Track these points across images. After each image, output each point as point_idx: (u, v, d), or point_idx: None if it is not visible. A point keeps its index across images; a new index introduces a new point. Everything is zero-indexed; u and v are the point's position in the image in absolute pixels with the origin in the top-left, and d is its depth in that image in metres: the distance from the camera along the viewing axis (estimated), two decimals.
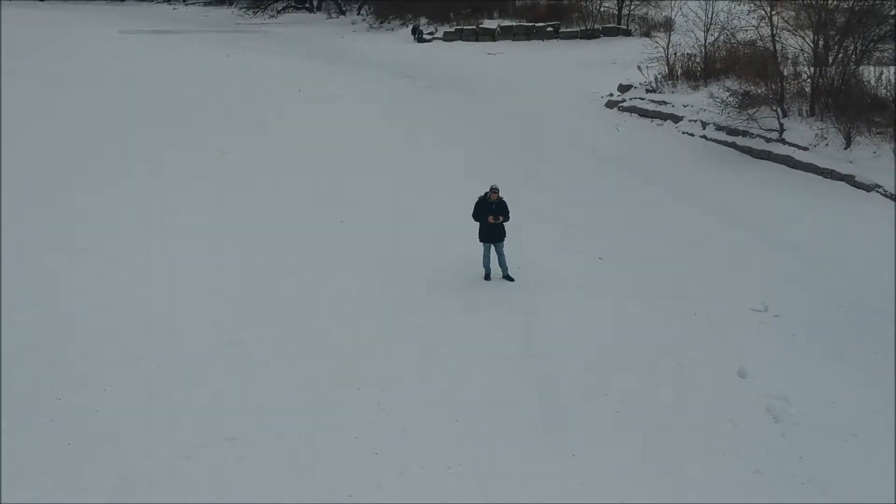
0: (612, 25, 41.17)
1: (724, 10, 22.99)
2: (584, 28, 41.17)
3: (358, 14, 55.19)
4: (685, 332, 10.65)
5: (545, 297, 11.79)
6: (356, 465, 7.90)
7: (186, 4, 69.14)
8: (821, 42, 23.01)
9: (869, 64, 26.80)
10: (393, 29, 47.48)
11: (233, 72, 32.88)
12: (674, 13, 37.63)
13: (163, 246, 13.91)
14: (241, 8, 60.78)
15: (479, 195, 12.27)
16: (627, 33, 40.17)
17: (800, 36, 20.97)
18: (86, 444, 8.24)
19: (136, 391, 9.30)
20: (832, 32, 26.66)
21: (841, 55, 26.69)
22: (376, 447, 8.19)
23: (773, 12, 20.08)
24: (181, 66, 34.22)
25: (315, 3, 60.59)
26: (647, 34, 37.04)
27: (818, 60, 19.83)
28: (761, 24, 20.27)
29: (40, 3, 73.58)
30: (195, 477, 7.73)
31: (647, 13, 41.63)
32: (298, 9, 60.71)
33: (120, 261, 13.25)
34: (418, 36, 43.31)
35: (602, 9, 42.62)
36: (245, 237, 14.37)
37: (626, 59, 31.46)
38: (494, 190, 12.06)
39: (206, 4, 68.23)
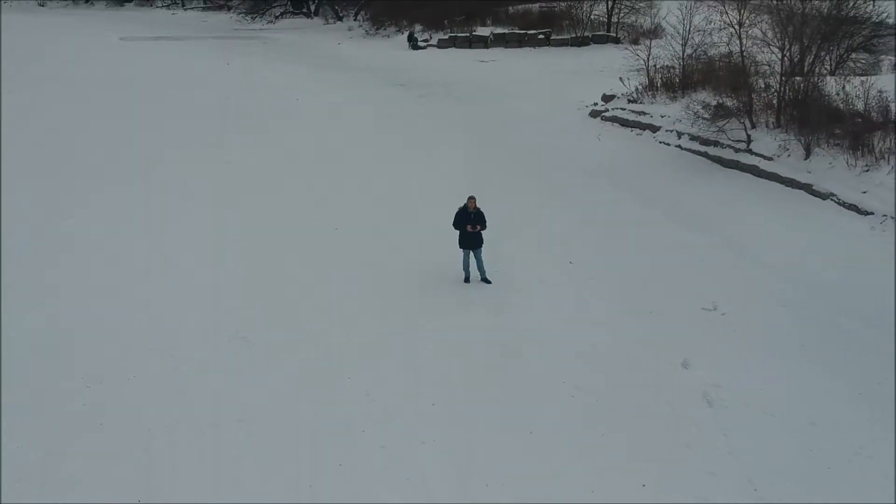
0: (601, 33, 42.66)
1: (699, 25, 24.38)
2: (574, 35, 42.68)
3: (354, 20, 56.56)
4: (640, 329, 12.11)
5: (518, 298, 13.26)
6: (346, 441, 9.35)
7: (185, 9, 70.62)
8: (794, 53, 24.54)
9: (844, 74, 28.37)
10: (388, 36, 48.89)
11: (233, 80, 34.34)
12: (656, 21, 39.25)
13: (168, 248, 15.39)
14: (239, 13, 62.06)
15: (457, 207, 13.70)
16: (617, 41, 41.57)
17: (775, 48, 22.35)
18: (116, 424, 9.70)
19: (153, 380, 10.74)
20: (806, 43, 28.27)
21: (817, 66, 28.27)
22: (363, 426, 9.64)
23: (743, 28, 21.50)
24: (183, 74, 35.66)
25: (312, 9, 62.02)
26: (635, 42, 38.46)
27: (785, 73, 21.22)
28: (732, 40, 21.67)
29: (40, 7, 75.02)
30: (209, 449, 9.19)
31: (635, 20, 43.06)
32: (296, 14, 62.13)
33: (128, 262, 14.72)
34: (413, 43, 44.77)
35: (592, 16, 44.14)
36: (246, 240, 15.84)
37: (613, 68, 32.76)
38: (472, 200, 13.52)
39: (204, 9, 69.68)
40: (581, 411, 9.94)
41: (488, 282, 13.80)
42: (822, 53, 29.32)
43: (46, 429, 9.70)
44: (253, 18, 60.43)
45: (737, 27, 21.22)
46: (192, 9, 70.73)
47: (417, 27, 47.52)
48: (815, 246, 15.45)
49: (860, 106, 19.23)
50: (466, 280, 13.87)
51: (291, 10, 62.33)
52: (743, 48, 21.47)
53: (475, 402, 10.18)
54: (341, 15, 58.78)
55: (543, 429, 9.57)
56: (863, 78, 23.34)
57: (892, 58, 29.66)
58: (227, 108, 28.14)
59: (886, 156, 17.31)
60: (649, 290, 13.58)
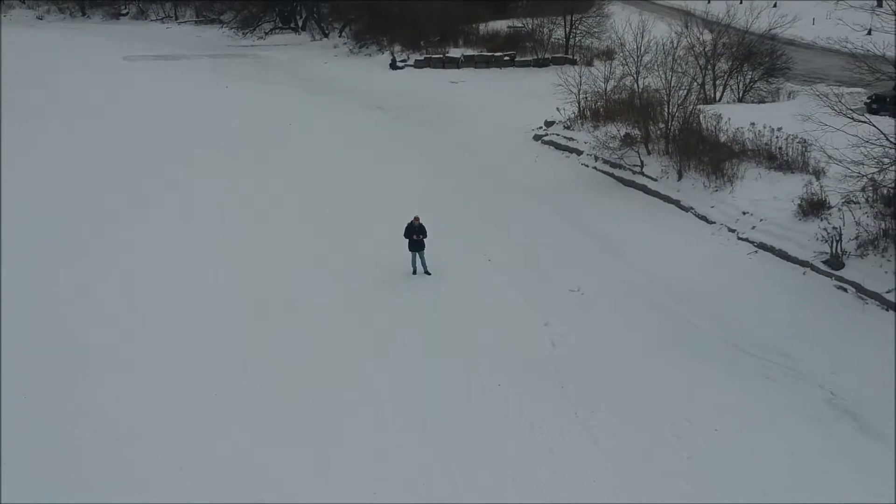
0: (560, 55, 49.71)
1: (612, 74, 31.41)
2: (536, 57, 49.75)
3: (339, 36, 63.50)
4: (525, 303, 19.03)
5: (448, 285, 20.16)
6: (322, 368, 16.24)
7: (179, 23, 77.38)
8: (707, 85, 31.54)
9: (749, 101, 35.64)
10: (370, 55, 55.88)
11: (233, 105, 41.26)
12: (609, 44, 46.29)
13: (190, 249, 22.24)
14: (231, 28, 68.69)
15: (407, 222, 20.62)
16: (573, 62, 48.49)
17: (692, 77, 29.22)
18: (174, 365, 16.64)
19: (190, 339, 17.65)
20: (718, 74, 35.55)
21: (726, 95, 35.42)
22: (335, 359, 16.55)
23: (642, 75, 28.55)
24: (186, 100, 42.54)
25: (300, 25, 68.86)
26: (589, 63, 45.57)
27: (673, 109, 28.07)
28: (633, 85, 28.73)
29: (38, 20, 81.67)
30: (229, 383, 16.08)
31: (591, 43, 50.19)
32: (284, 30, 68.95)
33: (162, 264, 21.60)
34: (392, 63, 51.80)
35: (553, 39, 51.22)
36: (252, 244, 22.68)
37: (564, 90, 39.84)
38: (416, 217, 20.46)
39: (197, 23, 76.46)
40: (474, 350, 16.87)
41: (429, 274, 20.74)
42: (731, 83, 36.72)
43: (141, 356, 16.64)
44: (244, 34, 67.09)
45: (635, 75, 28.25)
46: (185, 23, 77.52)
47: (396, 47, 54.56)
48: (669, 247, 22.38)
49: (723, 138, 26.30)
50: (414, 273, 20.81)
51: (280, 25, 69.13)
52: (641, 91, 28.48)
53: (410, 346, 17.11)
54: (327, 31, 65.67)
55: (447, 358, 16.53)
56: (760, 104, 30.23)
57: (792, 86, 36.85)
58: (230, 135, 35.06)
59: (732, 179, 24.34)
60: (539, 278, 20.52)
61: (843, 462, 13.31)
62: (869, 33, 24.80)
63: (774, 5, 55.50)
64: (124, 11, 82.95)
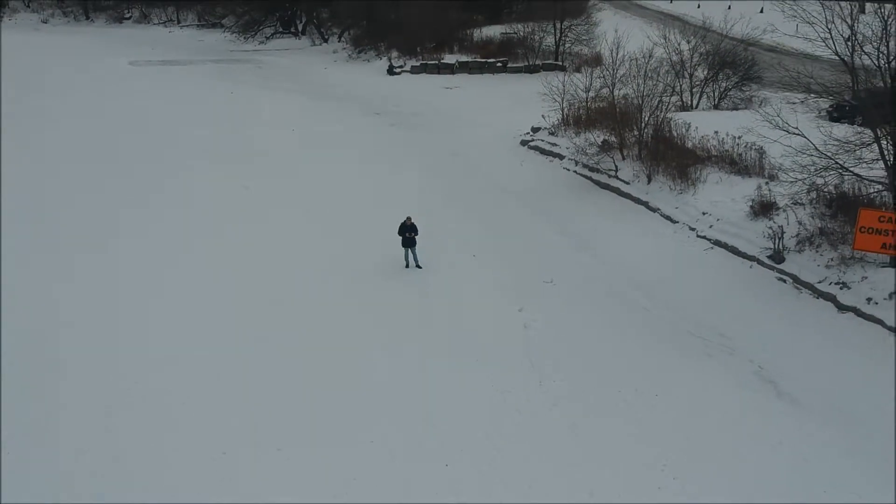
0: (550, 62, 52.77)
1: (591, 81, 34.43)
2: (527, 64, 52.79)
3: (339, 41, 66.54)
4: (504, 292, 22.03)
5: (436, 276, 23.16)
6: (319, 348, 19.27)
7: (181, 27, 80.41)
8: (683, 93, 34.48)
9: (723, 108, 38.69)
10: (368, 60, 58.94)
11: (238, 112, 44.26)
12: (596, 50, 49.27)
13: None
14: (232, 33, 71.74)
15: (400, 221, 23.63)
16: (563, 69, 51.64)
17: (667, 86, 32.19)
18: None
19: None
20: (695, 83, 38.61)
21: (703, 102, 38.41)
22: (336, 333, 19.57)
23: (618, 88, 31.60)
24: (194, 106, 45.53)
25: (300, 29, 71.91)
26: (577, 70, 48.61)
27: (646, 117, 31.04)
28: (609, 96, 31.78)
29: (43, 24, 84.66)
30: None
31: (580, 50, 53.26)
32: (284, 34, 71.99)
33: (179, 261, 24.60)
34: (389, 69, 54.84)
35: (544, 46, 54.29)
36: (266, 242, 25.69)
37: (552, 96, 42.80)
38: (409, 217, 23.48)
39: (199, 27, 79.48)
40: (457, 331, 19.88)
41: (420, 267, 23.74)
42: (707, 90, 39.81)
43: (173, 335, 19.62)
44: (245, 39, 70.14)
45: (610, 87, 31.31)
46: (187, 27, 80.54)
47: (394, 53, 57.61)
48: (635, 244, 25.41)
49: (690, 145, 29.34)
50: (406, 266, 23.81)
51: (280, 30, 72.17)
52: (617, 101, 31.52)
53: (401, 329, 20.10)
54: (326, 37, 68.70)
55: (433, 338, 19.54)
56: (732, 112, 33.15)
57: (762, 94, 39.80)
58: (238, 141, 38.06)
59: (696, 183, 27.37)
60: (517, 271, 23.53)
61: (758, 418, 16.36)
62: (849, 40, 26.31)
63: (761, 11, 58.59)
64: (127, 15, 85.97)
